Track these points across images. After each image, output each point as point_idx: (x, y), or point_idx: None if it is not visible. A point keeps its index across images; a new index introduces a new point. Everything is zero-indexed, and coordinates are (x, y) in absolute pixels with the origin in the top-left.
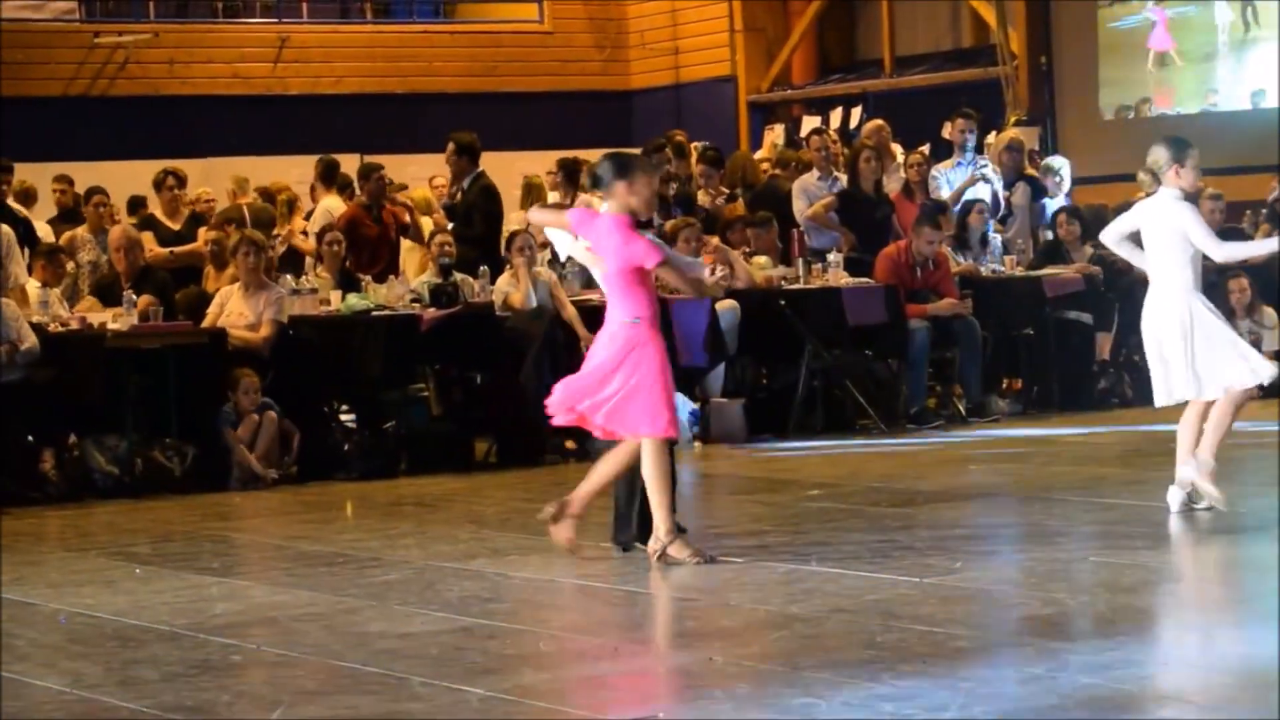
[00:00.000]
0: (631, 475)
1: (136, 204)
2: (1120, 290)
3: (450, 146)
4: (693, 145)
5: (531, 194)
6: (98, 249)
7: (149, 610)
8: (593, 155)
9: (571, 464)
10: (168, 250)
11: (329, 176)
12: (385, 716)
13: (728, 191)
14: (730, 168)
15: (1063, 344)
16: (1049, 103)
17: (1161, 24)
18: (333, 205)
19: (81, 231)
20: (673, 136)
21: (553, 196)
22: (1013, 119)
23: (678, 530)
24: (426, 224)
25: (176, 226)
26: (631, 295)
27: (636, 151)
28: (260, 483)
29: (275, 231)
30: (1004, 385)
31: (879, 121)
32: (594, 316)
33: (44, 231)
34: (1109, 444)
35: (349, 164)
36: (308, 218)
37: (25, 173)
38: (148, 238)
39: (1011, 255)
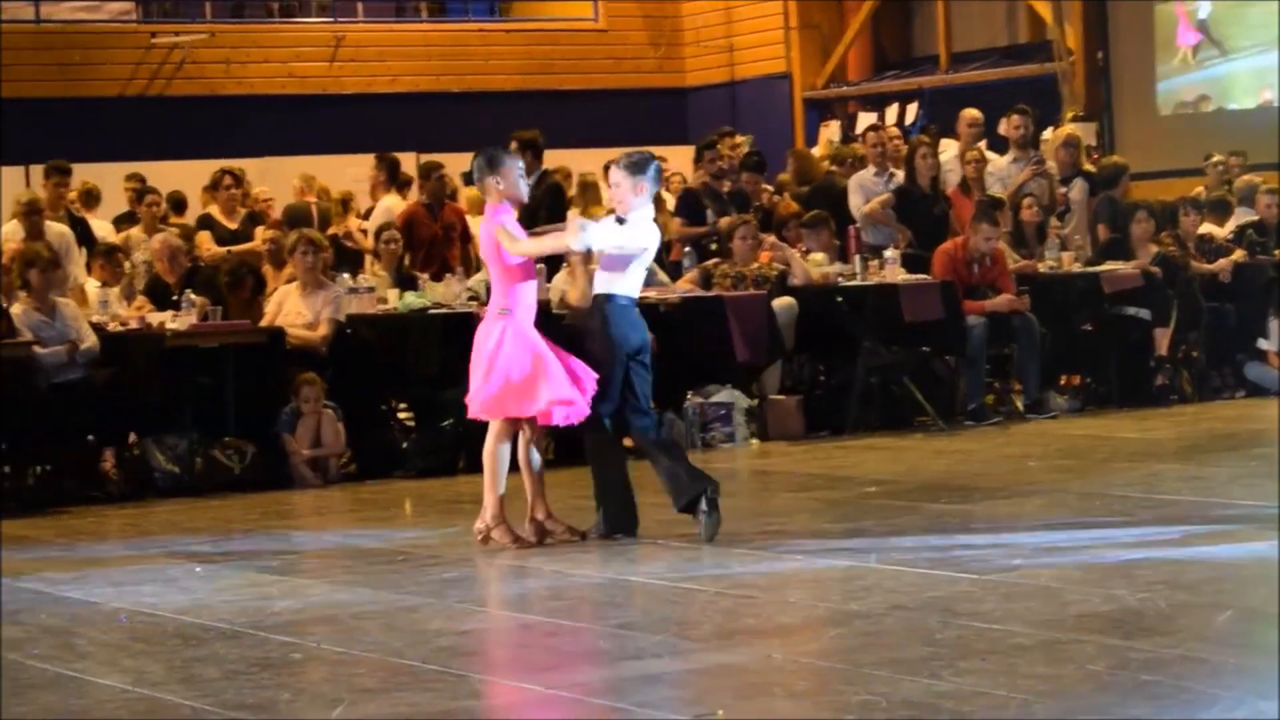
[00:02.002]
0: (606, 467)
1: (179, 203)
2: (1179, 286)
3: (513, 145)
4: (739, 140)
5: (587, 193)
6: (150, 250)
7: (210, 608)
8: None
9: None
10: (224, 249)
11: (392, 175)
12: (445, 714)
13: (771, 189)
14: (795, 165)
15: (1121, 340)
16: (1106, 98)
17: (1184, 20)
18: (392, 204)
19: (136, 231)
20: (726, 133)
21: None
22: (1069, 115)
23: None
24: (475, 224)
25: (234, 225)
26: (503, 285)
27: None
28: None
29: (331, 230)
30: (1062, 381)
31: (976, 112)
32: (649, 314)
33: (105, 231)
34: (1167, 440)
35: (405, 163)
36: (365, 216)
37: (83, 173)
38: (205, 237)
39: (1069, 251)
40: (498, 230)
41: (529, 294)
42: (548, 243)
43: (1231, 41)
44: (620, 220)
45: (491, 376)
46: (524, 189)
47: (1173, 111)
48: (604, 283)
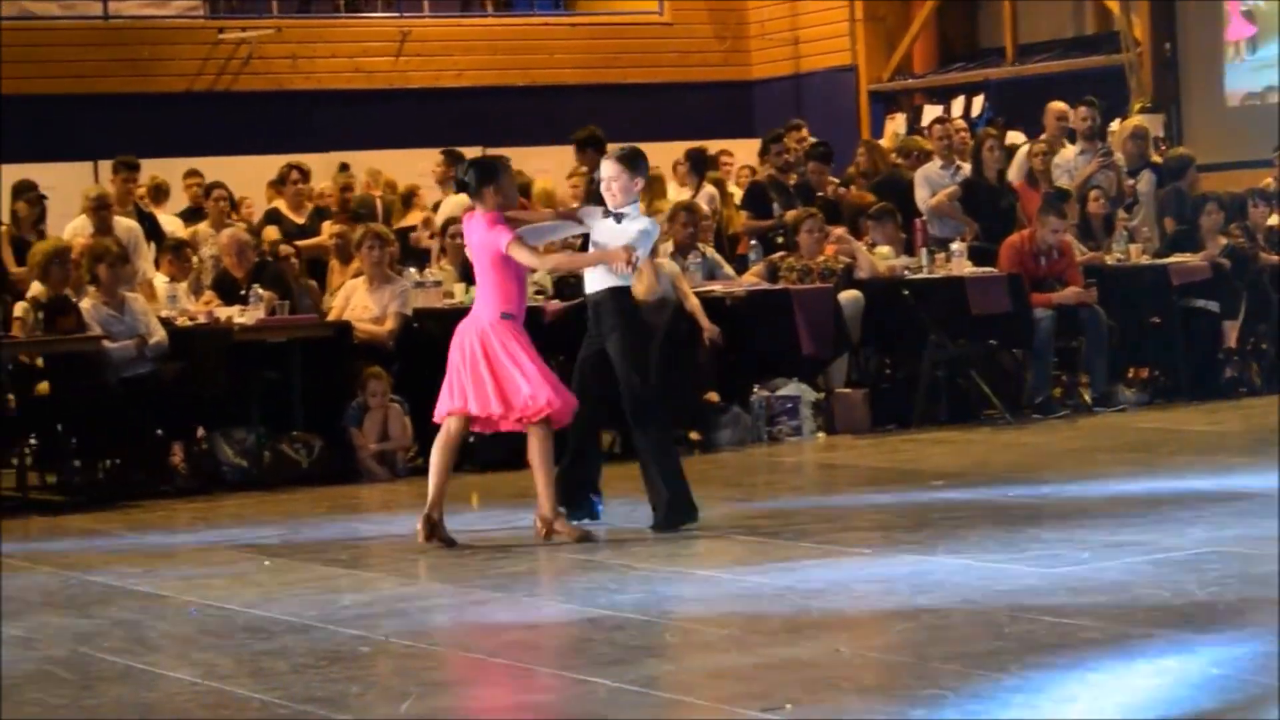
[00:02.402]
0: (667, 460)
1: (211, 188)
2: (1248, 278)
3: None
4: (806, 133)
5: (651, 187)
6: (217, 245)
7: (278, 602)
8: (714, 146)
9: (696, 455)
10: (293, 244)
11: None
12: (513, 707)
13: (836, 182)
14: (869, 157)
15: (1190, 332)
16: (1174, 89)
17: (1235, 13)
18: (460, 199)
19: (203, 227)
20: (793, 126)
21: (677, 188)
22: (1137, 106)
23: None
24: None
25: (301, 220)
26: (505, 291)
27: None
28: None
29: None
30: (1130, 374)
31: (1062, 105)
32: (715, 308)
33: (174, 226)
34: (1237, 433)
35: (470, 157)
36: (435, 209)
37: (151, 169)
38: (271, 231)
39: (1137, 243)
40: (514, 248)
41: (524, 299)
42: (589, 258)
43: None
44: (617, 216)
45: (543, 377)
46: (515, 197)
47: (1241, 103)
48: (611, 279)
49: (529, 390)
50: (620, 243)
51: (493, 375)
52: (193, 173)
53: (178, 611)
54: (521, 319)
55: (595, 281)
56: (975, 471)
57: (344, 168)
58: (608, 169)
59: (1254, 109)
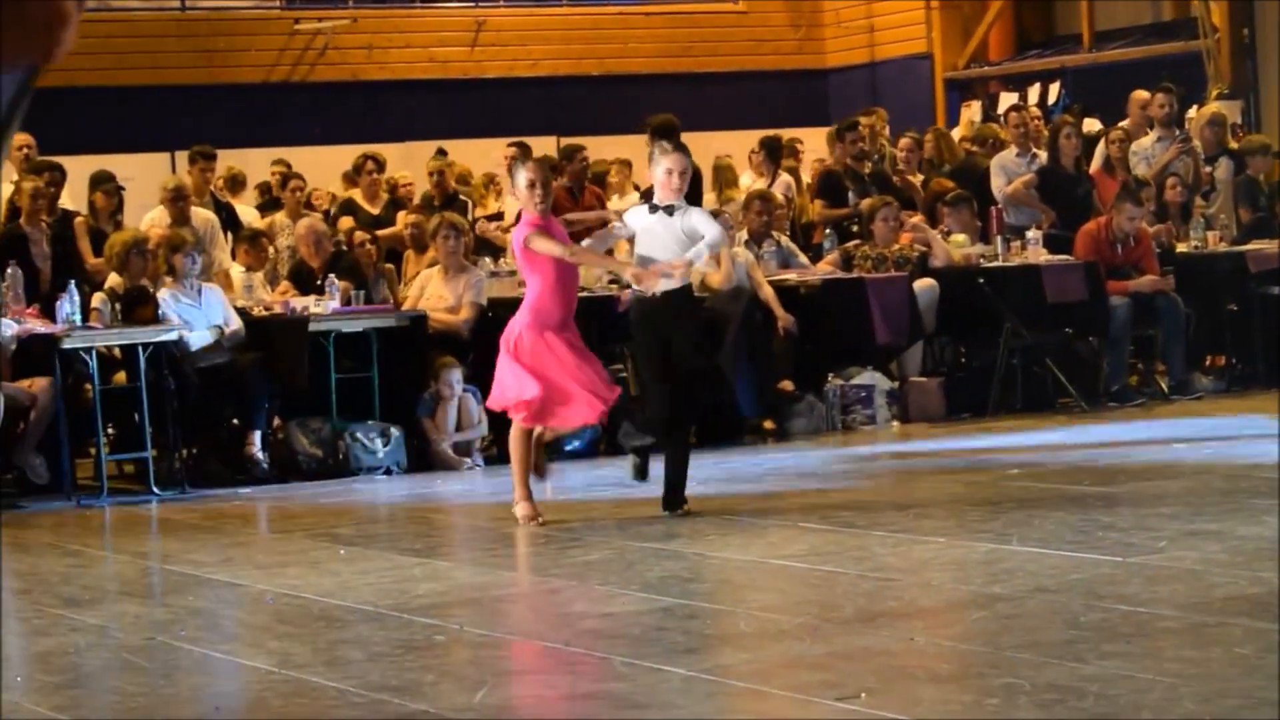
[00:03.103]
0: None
1: (287, 179)
2: None
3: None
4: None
5: (720, 175)
6: (294, 235)
7: (354, 591)
8: (790, 135)
9: (770, 444)
10: (371, 233)
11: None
12: (588, 696)
13: (920, 176)
14: (933, 146)
15: (1267, 320)
16: (1252, 76)
17: None
18: None
19: (280, 217)
20: (871, 113)
21: (751, 177)
22: (1214, 93)
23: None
24: (614, 206)
25: (376, 210)
26: (529, 288)
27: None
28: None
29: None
30: (1207, 362)
31: (1146, 93)
32: (790, 296)
33: (250, 217)
34: None
35: (545, 146)
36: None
37: (228, 159)
38: (347, 221)
39: (1214, 231)
40: (534, 240)
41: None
42: (613, 264)
43: None
44: (669, 209)
45: (538, 384)
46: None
47: None
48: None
49: (514, 396)
50: (673, 239)
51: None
52: (279, 161)
53: (254, 600)
54: (553, 319)
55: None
56: (1050, 460)
57: (441, 153)
58: (675, 161)
59: None
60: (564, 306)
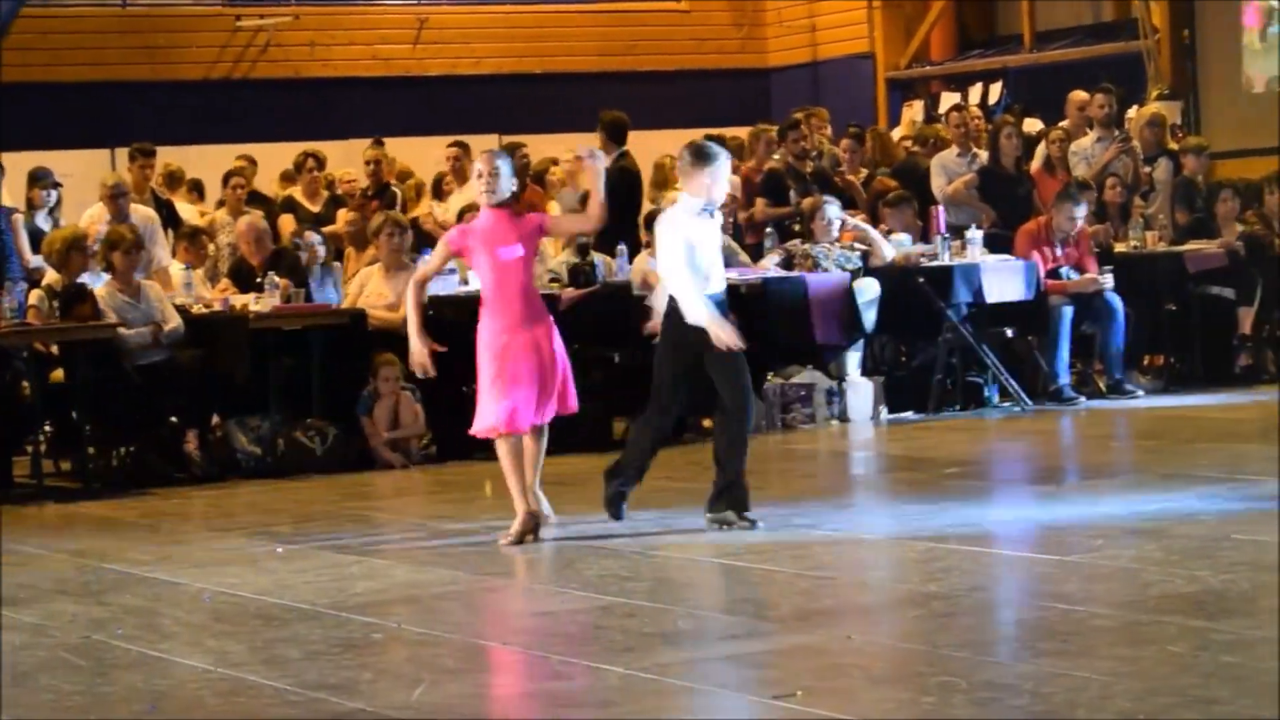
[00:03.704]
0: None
1: (229, 176)
2: (1264, 265)
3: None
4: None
5: (660, 174)
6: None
7: (291, 589)
8: (731, 134)
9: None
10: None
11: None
12: (525, 695)
13: (867, 172)
14: (870, 145)
15: (1205, 320)
16: (1192, 77)
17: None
18: (473, 188)
19: (220, 214)
20: (811, 112)
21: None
22: (1154, 93)
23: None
24: (554, 207)
25: (316, 208)
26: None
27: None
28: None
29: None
30: (1146, 362)
31: (1084, 94)
32: (730, 295)
33: (190, 214)
34: (1251, 420)
35: (488, 144)
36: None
37: (170, 156)
38: (287, 219)
39: (1153, 231)
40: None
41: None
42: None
43: None
44: (709, 210)
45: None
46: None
47: (1264, 89)
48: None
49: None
50: (718, 242)
51: None
52: (243, 157)
53: (191, 599)
54: (501, 319)
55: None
56: (989, 459)
57: (379, 143)
58: (724, 166)
59: (1272, 95)
60: (505, 304)
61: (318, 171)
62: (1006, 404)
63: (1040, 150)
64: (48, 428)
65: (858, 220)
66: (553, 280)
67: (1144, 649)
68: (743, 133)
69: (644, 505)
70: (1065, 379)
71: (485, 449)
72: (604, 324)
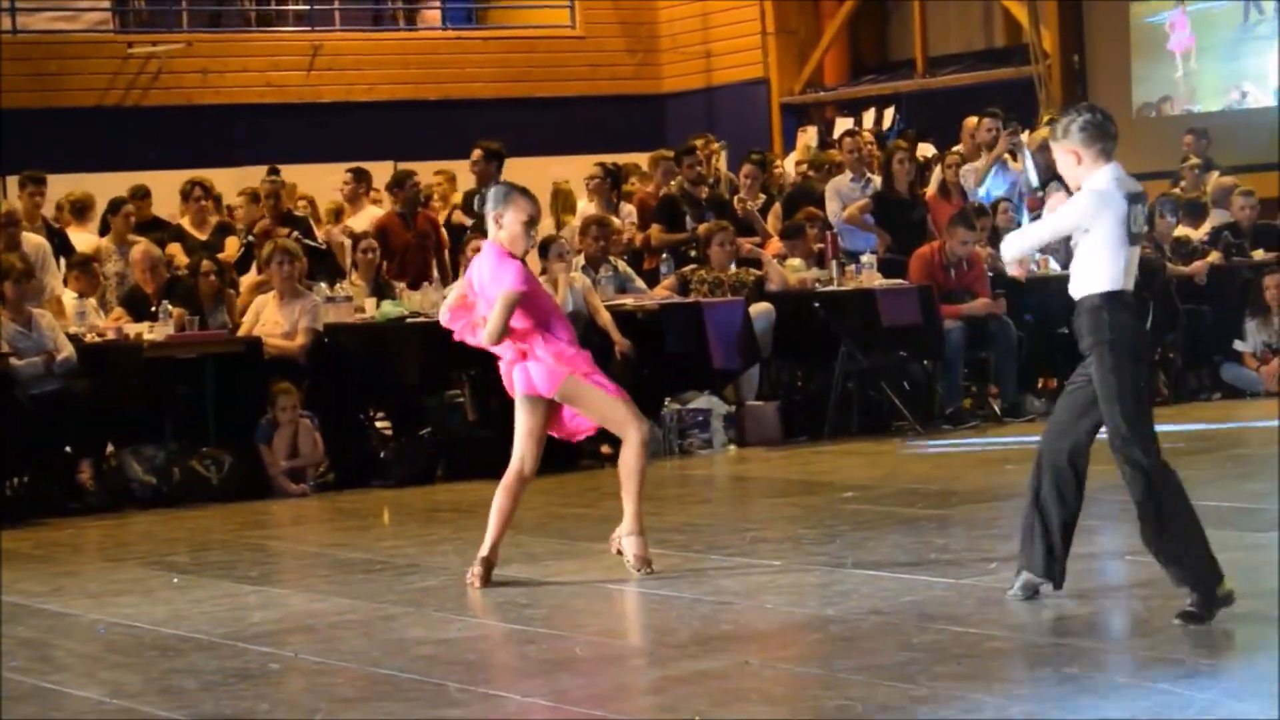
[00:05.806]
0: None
1: (118, 204)
2: (1155, 289)
3: (477, 153)
4: (715, 147)
5: (559, 199)
6: (122, 260)
7: (187, 619)
8: (626, 159)
9: (606, 469)
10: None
11: (368, 187)
12: None
13: (765, 197)
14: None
15: None
16: (1082, 101)
17: (1182, 26)
18: (374, 213)
19: (106, 242)
20: (705, 139)
21: (586, 202)
22: (1046, 118)
23: None
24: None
25: (204, 236)
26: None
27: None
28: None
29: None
30: (1040, 384)
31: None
32: (627, 321)
33: (83, 243)
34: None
35: (383, 171)
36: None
37: (62, 184)
38: (175, 248)
39: (1046, 254)
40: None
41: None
42: None
43: (1204, 40)
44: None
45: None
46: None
47: (1151, 114)
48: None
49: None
50: None
51: None
52: (194, 183)
53: (85, 630)
54: (512, 356)
55: None
56: (885, 483)
57: (274, 172)
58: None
59: (1149, 120)
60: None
61: (205, 200)
62: (902, 428)
63: (935, 175)
64: None
65: (750, 245)
66: None
67: (1039, 671)
68: (639, 159)
69: (540, 532)
70: (959, 402)
71: (382, 476)
72: None
